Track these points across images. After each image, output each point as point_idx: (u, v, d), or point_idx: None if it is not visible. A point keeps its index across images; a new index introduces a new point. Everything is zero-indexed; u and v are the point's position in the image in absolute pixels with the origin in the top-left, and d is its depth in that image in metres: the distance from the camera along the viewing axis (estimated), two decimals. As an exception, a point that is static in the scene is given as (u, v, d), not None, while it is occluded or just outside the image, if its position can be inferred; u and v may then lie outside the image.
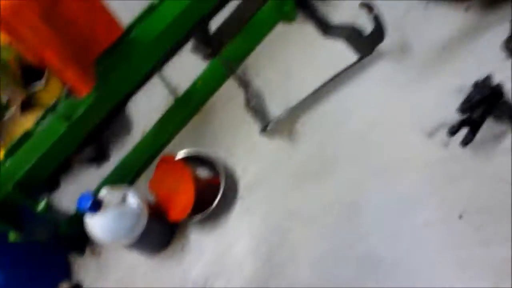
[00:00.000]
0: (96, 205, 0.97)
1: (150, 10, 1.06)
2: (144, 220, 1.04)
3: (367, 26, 1.19)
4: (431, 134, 1.15)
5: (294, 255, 1.13)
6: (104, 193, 1.04)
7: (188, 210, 1.10)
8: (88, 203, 0.94)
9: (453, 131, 1.08)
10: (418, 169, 1.13)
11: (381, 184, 1.13)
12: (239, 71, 1.35)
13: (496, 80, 1.08)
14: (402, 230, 1.09)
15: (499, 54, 1.16)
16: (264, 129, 1.23)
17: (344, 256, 1.09)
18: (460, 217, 1.07)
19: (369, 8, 1.15)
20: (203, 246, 1.21)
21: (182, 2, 1.04)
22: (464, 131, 1.08)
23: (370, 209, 1.12)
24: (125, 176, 1.26)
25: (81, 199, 0.98)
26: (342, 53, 1.30)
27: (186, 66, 1.37)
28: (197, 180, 1.15)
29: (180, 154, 1.21)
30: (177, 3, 1.04)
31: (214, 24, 1.32)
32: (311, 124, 1.24)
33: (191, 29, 1.14)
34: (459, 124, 1.08)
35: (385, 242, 1.09)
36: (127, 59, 1.00)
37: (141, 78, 1.12)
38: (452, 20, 1.25)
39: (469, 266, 1.00)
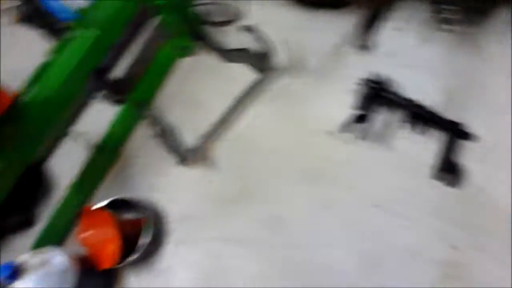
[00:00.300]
0: (15, 273, 0.97)
1: (41, 72, 1.08)
2: (71, 277, 1.04)
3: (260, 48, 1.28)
4: (335, 134, 1.23)
5: (230, 279, 1.16)
6: (25, 258, 1.04)
7: (117, 256, 1.11)
8: (7, 273, 0.94)
9: (351, 127, 1.16)
10: (331, 168, 1.20)
11: (300, 192, 1.20)
12: (150, 110, 1.39)
13: (381, 75, 1.18)
14: (332, 233, 1.15)
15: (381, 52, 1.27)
16: (181, 161, 1.27)
17: (280, 269, 1.14)
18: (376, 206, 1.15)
19: (249, 30, 1.24)
20: (142, 284, 1.22)
21: (71, 60, 1.07)
22: (362, 126, 1.17)
23: (295, 218, 1.18)
24: (54, 236, 1.26)
25: (2, 270, 0.97)
26: (245, 75, 1.38)
27: (99, 115, 1.40)
28: (122, 224, 1.17)
29: (103, 202, 1.22)
30: (66, 63, 1.06)
31: (119, 69, 1.36)
32: (225, 147, 1.29)
33: (92, 80, 1.17)
34: (356, 120, 1.16)
35: (320, 248, 1.15)
36: (22, 126, 1.01)
37: (49, 138, 1.13)
38: (337, 27, 1.35)
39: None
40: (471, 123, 1.19)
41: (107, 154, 1.36)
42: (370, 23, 1.21)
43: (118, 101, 1.34)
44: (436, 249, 1.12)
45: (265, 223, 1.19)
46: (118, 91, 1.35)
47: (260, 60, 1.29)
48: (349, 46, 1.32)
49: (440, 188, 1.16)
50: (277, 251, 1.16)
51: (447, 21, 1.22)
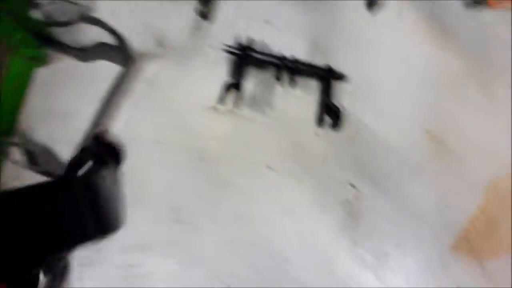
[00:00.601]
0: None
1: None
2: None
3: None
4: (216, 108, 1.19)
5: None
6: None
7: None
8: None
9: (227, 97, 1.13)
10: (219, 144, 1.18)
11: (193, 177, 1.16)
12: (15, 135, 1.26)
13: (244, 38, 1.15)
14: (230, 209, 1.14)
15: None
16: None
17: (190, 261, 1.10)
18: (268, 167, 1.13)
19: (96, 22, 1.14)
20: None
21: None
22: (238, 94, 1.14)
23: (196, 205, 1.15)
24: None
25: None
26: (109, 72, 1.28)
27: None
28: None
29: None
30: None
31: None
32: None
33: None
34: (229, 88, 1.13)
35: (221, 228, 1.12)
36: None
37: None
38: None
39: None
40: (340, 64, 1.20)
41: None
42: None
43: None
44: (336, 193, 1.14)
45: (166, 220, 1.13)
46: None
47: (117, 53, 1.20)
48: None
49: (327, 135, 1.17)
50: (186, 244, 1.12)
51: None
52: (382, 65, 1.21)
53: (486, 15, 1.22)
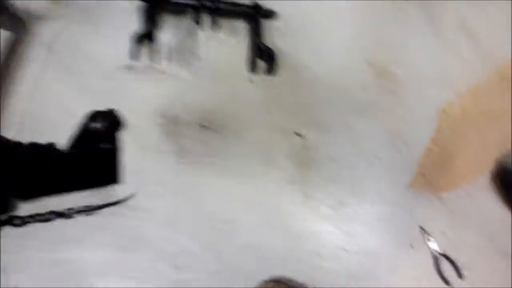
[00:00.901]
0: None
1: None
2: None
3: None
4: (130, 66, 1.01)
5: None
6: None
7: None
8: None
9: (135, 54, 0.96)
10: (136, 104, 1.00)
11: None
12: None
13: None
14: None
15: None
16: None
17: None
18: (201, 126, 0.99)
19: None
20: None
21: None
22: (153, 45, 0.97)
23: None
24: None
25: None
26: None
27: None
28: None
29: None
30: None
31: None
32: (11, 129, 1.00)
33: None
34: (136, 42, 0.95)
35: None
36: None
37: None
38: None
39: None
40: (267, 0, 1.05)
41: None
42: None
43: None
44: (281, 145, 1.02)
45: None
46: None
47: (3, 16, 0.99)
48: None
49: (262, 81, 1.04)
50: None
51: None
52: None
53: None
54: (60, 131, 0.92)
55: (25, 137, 0.89)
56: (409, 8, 1.08)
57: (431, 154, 1.03)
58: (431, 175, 1.04)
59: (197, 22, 0.98)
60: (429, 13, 1.09)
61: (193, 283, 0.88)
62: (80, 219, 0.97)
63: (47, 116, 1.01)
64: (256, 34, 1.03)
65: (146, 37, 0.94)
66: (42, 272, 0.93)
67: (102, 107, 1.00)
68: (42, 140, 0.91)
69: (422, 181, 1.03)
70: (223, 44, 1.03)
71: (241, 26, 1.04)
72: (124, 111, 0.96)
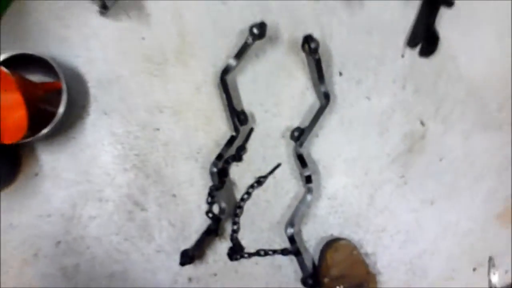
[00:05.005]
0: None
1: None
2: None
3: None
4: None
5: (168, 154, 0.97)
6: None
7: (24, 127, 0.85)
8: None
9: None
10: (292, 28, 0.99)
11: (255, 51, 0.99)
12: None
13: None
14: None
15: None
16: (103, 9, 0.96)
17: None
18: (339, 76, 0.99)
19: None
20: (60, 165, 0.98)
21: None
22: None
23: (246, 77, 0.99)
24: None
25: None
26: None
27: None
28: (28, 87, 0.88)
29: (-3, 59, 0.91)
30: None
31: None
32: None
33: None
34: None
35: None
36: None
37: None
38: None
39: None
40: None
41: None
42: None
43: None
44: (402, 122, 1.02)
45: (209, 86, 0.98)
46: None
47: None
48: None
49: (412, 58, 1.03)
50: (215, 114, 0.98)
51: None
52: (494, 3, 1.05)
53: None
54: None
55: None
56: None
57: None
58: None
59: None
60: None
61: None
62: None
63: None
64: (428, 13, 1.01)
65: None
66: None
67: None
68: None
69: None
70: (391, 5, 1.01)
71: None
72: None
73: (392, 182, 1.02)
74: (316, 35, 0.95)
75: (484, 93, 1.05)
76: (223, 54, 0.98)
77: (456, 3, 1.02)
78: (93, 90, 0.98)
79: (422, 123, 1.03)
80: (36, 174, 0.98)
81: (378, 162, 1.02)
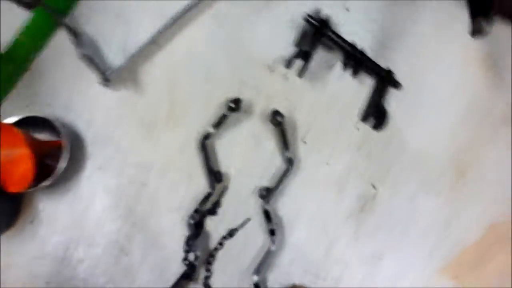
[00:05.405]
0: None
1: None
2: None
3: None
4: (272, 68, 1.20)
5: (154, 205, 1.12)
6: None
7: (29, 179, 1.00)
8: None
9: (289, 63, 1.14)
10: (264, 100, 1.18)
11: (229, 120, 1.17)
12: (68, 19, 1.22)
13: (323, 12, 1.15)
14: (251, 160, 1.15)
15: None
16: (104, 80, 1.15)
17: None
18: (303, 143, 1.17)
19: None
20: (56, 213, 1.13)
21: None
22: (299, 63, 1.15)
23: (223, 142, 1.17)
24: None
25: None
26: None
27: (6, 19, 1.19)
28: (35, 144, 1.04)
29: (11, 119, 1.07)
30: None
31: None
32: (155, 69, 1.19)
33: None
34: (293, 56, 1.13)
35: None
36: None
37: None
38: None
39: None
40: (397, 68, 1.23)
41: (14, 65, 1.18)
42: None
43: (30, 4, 1.15)
44: (356, 185, 1.19)
45: (191, 150, 1.15)
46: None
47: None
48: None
49: (365, 131, 1.21)
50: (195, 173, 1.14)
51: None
52: (433, 85, 1.26)
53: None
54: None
55: None
56: (503, 129, 1.25)
57: (467, 255, 1.20)
58: (461, 272, 1.20)
59: (345, 65, 1.17)
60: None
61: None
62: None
63: (186, 62, 1.21)
64: (379, 93, 1.21)
65: (304, 54, 1.13)
66: None
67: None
68: None
69: (452, 273, 1.19)
70: (347, 86, 1.21)
71: (368, 78, 1.22)
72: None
73: (347, 236, 1.18)
74: (284, 108, 1.15)
75: (426, 161, 1.23)
76: (205, 121, 1.15)
77: (404, 84, 1.23)
78: (90, 148, 1.14)
79: (374, 186, 1.20)
80: (32, 221, 1.12)
81: (335, 218, 1.18)
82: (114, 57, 1.18)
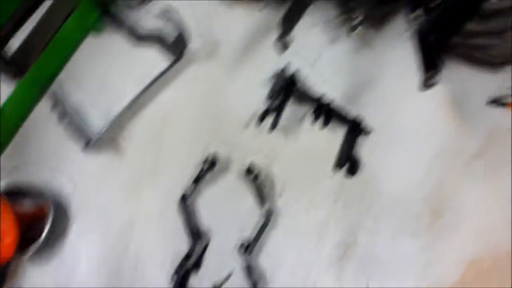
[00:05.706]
0: None
1: None
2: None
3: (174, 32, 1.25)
4: (247, 124, 1.26)
5: (138, 266, 1.15)
6: None
7: (13, 249, 1.03)
8: None
9: (262, 118, 1.20)
10: (240, 156, 1.24)
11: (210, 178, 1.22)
12: (52, 88, 1.29)
13: (290, 70, 1.23)
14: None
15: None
16: (87, 145, 1.20)
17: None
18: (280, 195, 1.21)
19: (167, 15, 1.20)
20: (43, 279, 1.15)
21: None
22: (271, 117, 1.21)
23: (203, 198, 1.21)
24: None
25: None
26: (155, 60, 1.34)
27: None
28: (19, 213, 1.08)
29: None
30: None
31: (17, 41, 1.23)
32: (134, 133, 1.25)
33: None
34: (265, 111, 1.20)
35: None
36: None
37: None
38: (251, 19, 1.37)
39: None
40: (367, 116, 1.29)
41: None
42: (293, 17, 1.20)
43: (15, 76, 1.22)
44: (336, 232, 1.22)
45: (173, 206, 1.19)
46: (14, 65, 1.22)
47: (173, 44, 1.27)
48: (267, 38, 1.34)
49: (341, 177, 1.26)
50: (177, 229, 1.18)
51: (351, 26, 1.31)
52: (405, 128, 1.31)
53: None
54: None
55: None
56: (478, 168, 1.30)
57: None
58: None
59: (316, 117, 1.24)
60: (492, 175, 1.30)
61: None
62: None
63: (165, 124, 1.27)
64: (350, 141, 1.27)
65: (274, 109, 1.19)
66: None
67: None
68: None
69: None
70: (319, 136, 1.27)
71: (339, 128, 1.28)
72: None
73: (330, 282, 1.20)
74: (260, 162, 1.20)
75: (403, 203, 1.27)
76: (185, 179, 1.20)
77: (377, 130, 1.29)
78: (74, 212, 1.18)
79: (353, 231, 1.24)
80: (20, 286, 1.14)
81: (316, 265, 1.20)
82: (98, 122, 1.24)
